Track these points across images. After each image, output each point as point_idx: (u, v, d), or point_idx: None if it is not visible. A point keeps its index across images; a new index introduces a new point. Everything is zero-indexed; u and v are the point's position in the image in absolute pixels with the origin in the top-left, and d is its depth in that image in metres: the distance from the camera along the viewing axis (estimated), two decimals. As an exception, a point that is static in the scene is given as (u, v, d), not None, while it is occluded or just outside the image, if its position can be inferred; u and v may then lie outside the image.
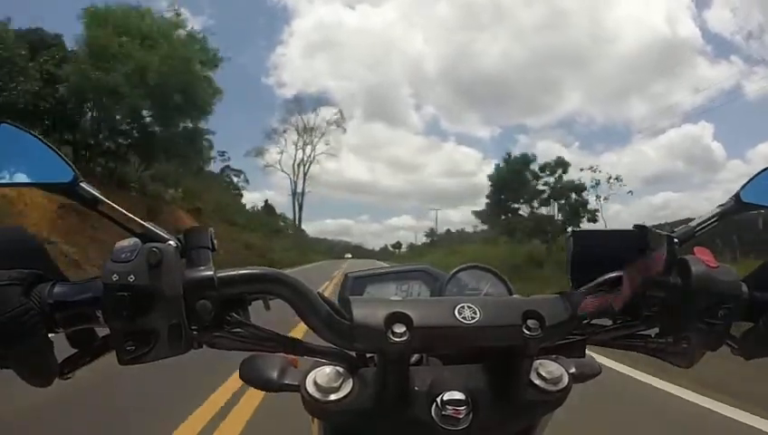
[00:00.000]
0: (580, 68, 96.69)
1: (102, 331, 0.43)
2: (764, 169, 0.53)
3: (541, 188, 20.84)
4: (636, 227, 0.50)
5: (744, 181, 0.53)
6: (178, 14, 20.04)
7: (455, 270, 0.65)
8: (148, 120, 19.26)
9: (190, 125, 20.09)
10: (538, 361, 0.47)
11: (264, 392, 0.53)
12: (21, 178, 0.44)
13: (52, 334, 0.41)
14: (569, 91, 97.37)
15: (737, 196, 0.52)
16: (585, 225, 18.59)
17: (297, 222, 53.41)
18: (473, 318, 0.42)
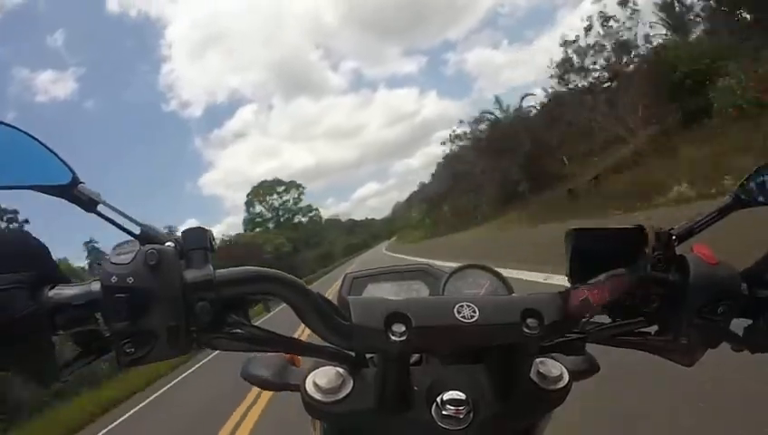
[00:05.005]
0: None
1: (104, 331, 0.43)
2: (763, 166, 0.53)
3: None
4: (635, 225, 0.50)
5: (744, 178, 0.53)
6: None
7: (453, 269, 0.65)
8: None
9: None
10: (538, 359, 0.47)
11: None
12: (18, 180, 0.43)
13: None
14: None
15: (736, 193, 0.52)
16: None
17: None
18: (472, 317, 0.42)
